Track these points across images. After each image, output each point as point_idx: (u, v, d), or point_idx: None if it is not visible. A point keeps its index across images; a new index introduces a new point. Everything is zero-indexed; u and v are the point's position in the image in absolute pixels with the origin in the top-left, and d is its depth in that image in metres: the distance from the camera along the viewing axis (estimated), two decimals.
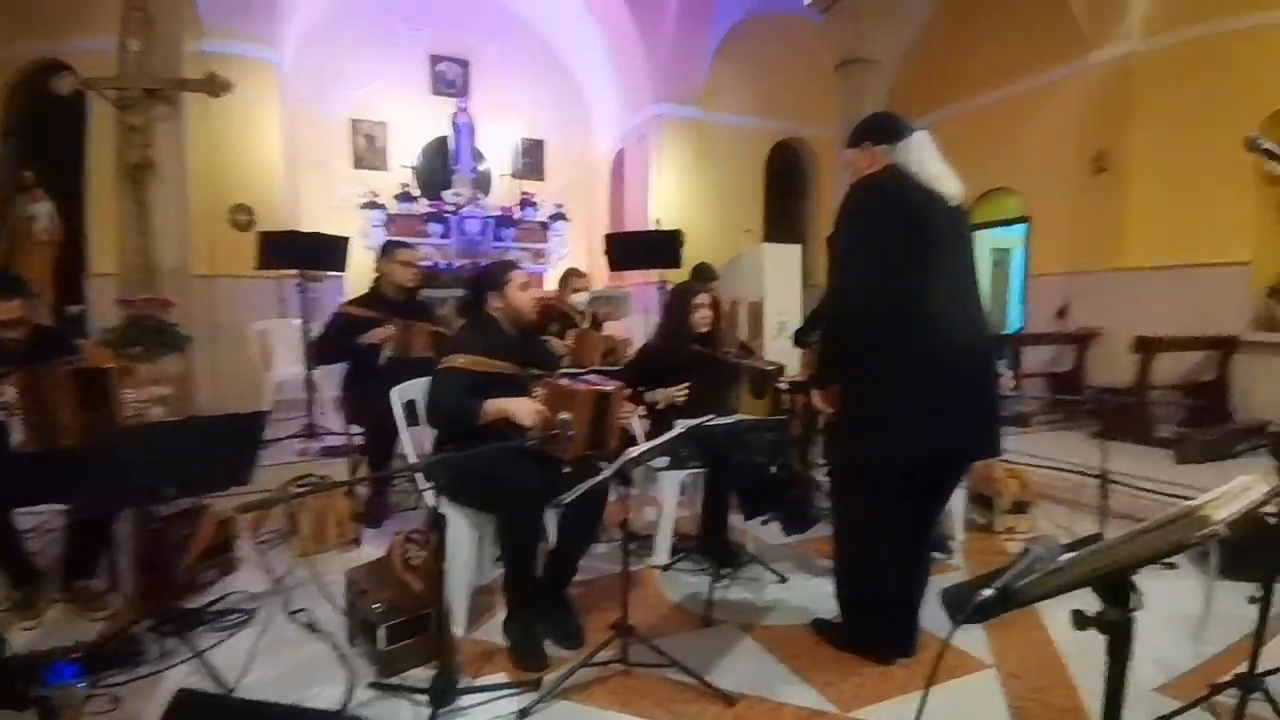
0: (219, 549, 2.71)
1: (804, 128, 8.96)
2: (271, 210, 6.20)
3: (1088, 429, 4.84)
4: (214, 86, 4.48)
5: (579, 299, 4.22)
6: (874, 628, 2.11)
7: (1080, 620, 0.87)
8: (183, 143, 4.65)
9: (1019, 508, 3.28)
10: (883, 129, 2.10)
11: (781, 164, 9.27)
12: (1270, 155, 1.61)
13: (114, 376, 2.47)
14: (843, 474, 2.17)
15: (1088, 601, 0.87)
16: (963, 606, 0.92)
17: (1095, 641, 0.86)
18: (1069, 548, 0.88)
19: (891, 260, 1.90)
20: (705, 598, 2.48)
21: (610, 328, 4.91)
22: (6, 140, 5.96)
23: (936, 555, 2.96)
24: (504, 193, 8.57)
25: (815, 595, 2.56)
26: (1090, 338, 5.69)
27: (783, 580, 2.74)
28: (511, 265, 2.54)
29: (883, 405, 1.95)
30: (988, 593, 0.87)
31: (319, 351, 3.56)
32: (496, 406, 2.22)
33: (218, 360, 5.59)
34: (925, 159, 2.01)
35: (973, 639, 2.21)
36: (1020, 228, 6.74)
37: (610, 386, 2.31)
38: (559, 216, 8.74)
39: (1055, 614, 2.33)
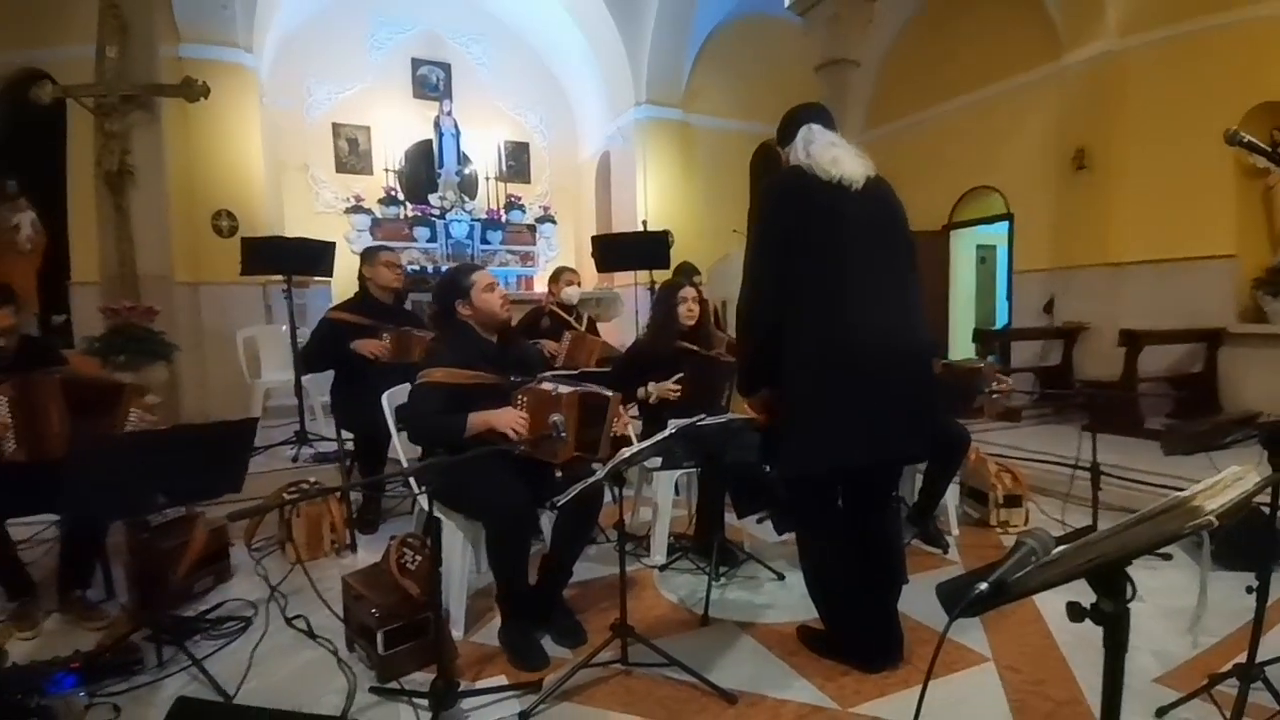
0: (213, 557, 2.68)
1: None
2: (254, 216, 6.13)
3: (1077, 422, 4.91)
4: (191, 91, 4.43)
5: (570, 293, 4.23)
6: (850, 636, 2.08)
7: (1076, 612, 0.88)
8: (161, 149, 4.60)
9: (1012, 501, 3.32)
10: (782, 130, 2.08)
11: (768, 165, 9.32)
12: (1252, 149, 1.64)
13: (128, 394, 2.46)
14: (787, 481, 2.14)
15: (1083, 593, 0.88)
16: (958, 600, 0.93)
17: (1093, 633, 0.87)
18: (1062, 540, 0.88)
19: (790, 264, 1.85)
20: (703, 597, 2.49)
21: (601, 329, 4.91)
22: None
23: (933, 550, 3.01)
24: (490, 196, 8.55)
25: None
26: (1078, 332, 5.77)
27: (780, 578, 2.76)
28: (472, 268, 2.47)
29: (794, 413, 1.91)
30: (982, 586, 0.87)
31: (308, 360, 3.53)
32: (480, 419, 2.20)
33: (203, 368, 5.51)
34: (815, 151, 1.93)
35: (971, 633, 2.23)
36: (1004, 225, 6.82)
37: (603, 390, 2.31)
38: (546, 219, 8.73)
39: (1052, 606, 2.35)
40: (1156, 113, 5.31)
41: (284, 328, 4.62)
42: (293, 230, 6.49)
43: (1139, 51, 5.37)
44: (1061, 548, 0.86)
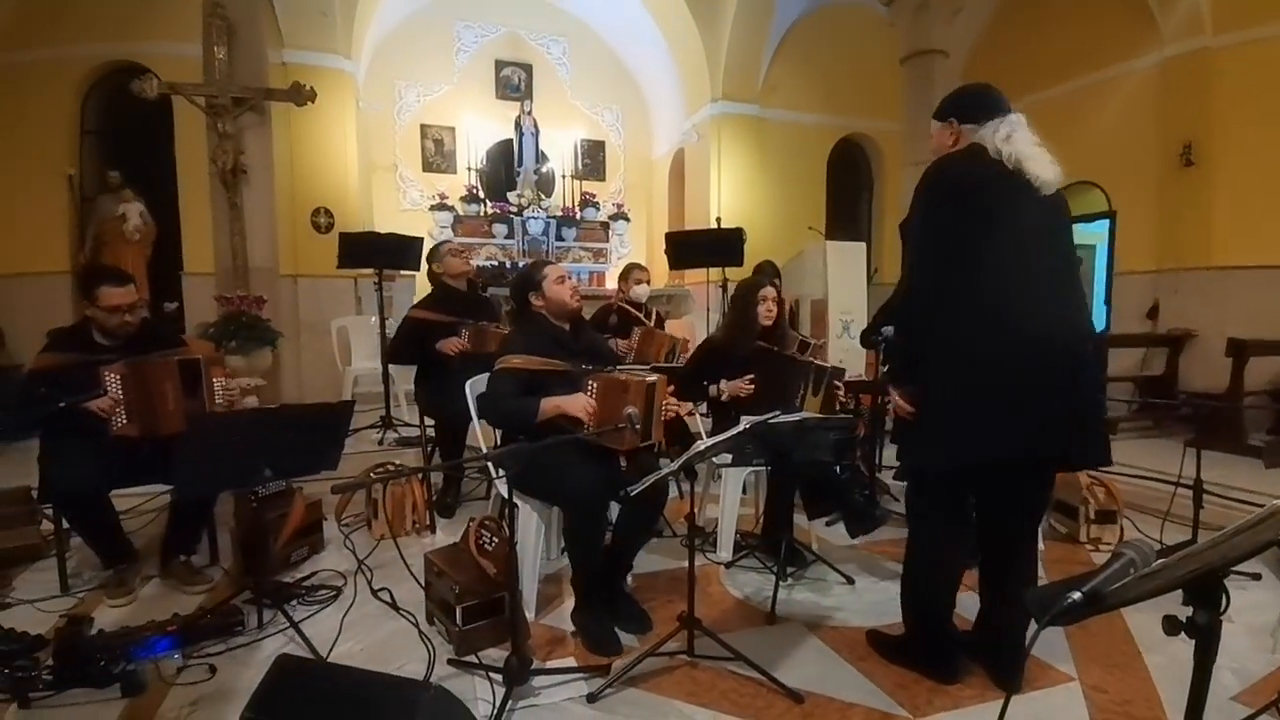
0: (309, 529, 2.90)
1: (868, 123, 8.78)
2: (348, 213, 6.52)
3: (1178, 436, 4.58)
4: (300, 96, 4.75)
5: (640, 291, 4.27)
6: (927, 646, 2.01)
7: (1172, 625, 0.85)
8: (270, 149, 4.94)
9: (1105, 518, 3.13)
10: (970, 104, 1.92)
11: (845, 160, 9.10)
12: None
13: (204, 365, 2.66)
14: (910, 481, 2.08)
15: (1176, 607, 0.86)
16: (1048, 608, 0.91)
17: (1182, 654, 0.87)
18: (1161, 554, 0.87)
19: (962, 247, 1.76)
20: (769, 595, 2.48)
21: (671, 326, 4.94)
22: (87, 138, 6.30)
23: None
24: (566, 193, 8.73)
25: (883, 599, 2.52)
26: (1184, 340, 5.37)
27: (850, 582, 2.71)
28: (543, 263, 2.61)
29: (942, 406, 1.82)
30: (1075, 595, 0.86)
31: (395, 355, 3.73)
32: (552, 404, 2.29)
33: (299, 355, 5.92)
34: (1016, 138, 1.81)
35: (1057, 651, 2.14)
36: (1103, 223, 6.40)
37: (653, 377, 2.35)
38: (619, 216, 8.84)
39: (1144, 626, 2.25)
40: (1265, 110, 4.89)
41: (373, 319, 4.90)
42: (380, 227, 6.86)
43: (1240, 48, 4.97)
44: (1162, 560, 0.85)
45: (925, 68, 6.56)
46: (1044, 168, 1.82)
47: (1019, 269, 1.78)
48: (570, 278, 2.57)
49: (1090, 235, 7.30)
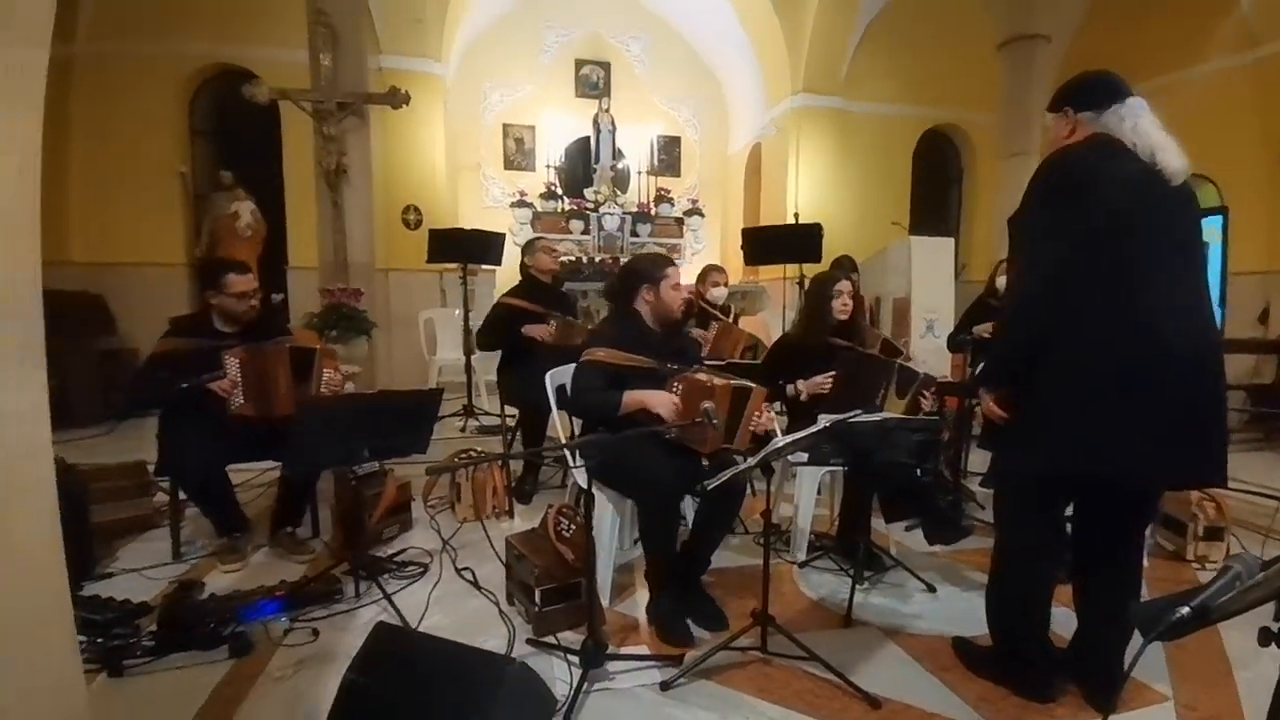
0: (400, 508, 3.08)
1: (958, 113, 8.39)
2: (436, 210, 6.83)
3: None
4: (396, 100, 5.02)
5: (717, 294, 4.27)
6: (1018, 661, 1.91)
7: (1265, 636, 0.86)
8: (369, 151, 5.25)
9: (1212, 534, 2.90)
10: (1088, 91, 1.79)
11: (932, 152, 8.73)
12: None
13: (320, 356, 2.87)
14: (1001, 489, 2.00)
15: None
16: (1155, 623, 0.89)
17: (1269, 670, 0.86)
18: (1265, 565, 0.86)
19: (1085, 246, 1.65)
20: (844, 598, 2.44)
21: (745, 323, 4.91)
22: (197, 138, 6.78)
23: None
24: (641, 189, 8.80)
25: (967, 609, 2.44)
26: None
27: (931, 590, 2.63)
28: (669, 261, 2.55)
29: (1051, 410, 1.72)
30: (1184, 610, 0.84)
31: (483, 339, 3.89)
32: (635, 398, 2.31)
33: (389, 345, 6.26)
34: (1143, 127, 1.69)
35: (1154, 670, 2.03)
36: (1217, 218, 5.88)
37: (749, 384, 2.33)
38: (695, 212, 8.83)
39: (1238, 640, 2.14)
40: None
41: (457, 311, 5.12)
42: (465, 224, 7.13)
43: None
44: (1264, 572, 0.85)
45: (1025, 53, 6.22)
46: (1174, 156, 1.69)
47: (1151, 272, 1.66)
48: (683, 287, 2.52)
49: (1205, 232, 6.71)
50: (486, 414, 4.66)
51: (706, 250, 8.88)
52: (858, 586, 2.52)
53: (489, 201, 8.71)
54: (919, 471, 2.67)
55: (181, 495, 2.80)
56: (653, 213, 8.64)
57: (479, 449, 3.65)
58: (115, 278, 6.09)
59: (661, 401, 2.29)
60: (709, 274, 4.35)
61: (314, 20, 4.88)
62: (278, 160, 6.48)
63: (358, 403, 2.58)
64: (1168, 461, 1.67)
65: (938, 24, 7.76)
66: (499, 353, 3.82)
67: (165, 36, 6.25)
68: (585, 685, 1.86)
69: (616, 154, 8.71)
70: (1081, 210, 1.66)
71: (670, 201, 8.76)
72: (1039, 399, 1.75)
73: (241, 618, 2.10)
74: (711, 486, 1.97)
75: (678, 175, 9.34)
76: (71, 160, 6.06)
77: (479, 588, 2.51)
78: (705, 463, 2.37)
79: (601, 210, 8.40)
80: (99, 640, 1.96)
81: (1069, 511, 1.96)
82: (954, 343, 3.79)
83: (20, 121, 1.01)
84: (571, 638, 2.11)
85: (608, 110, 8.59)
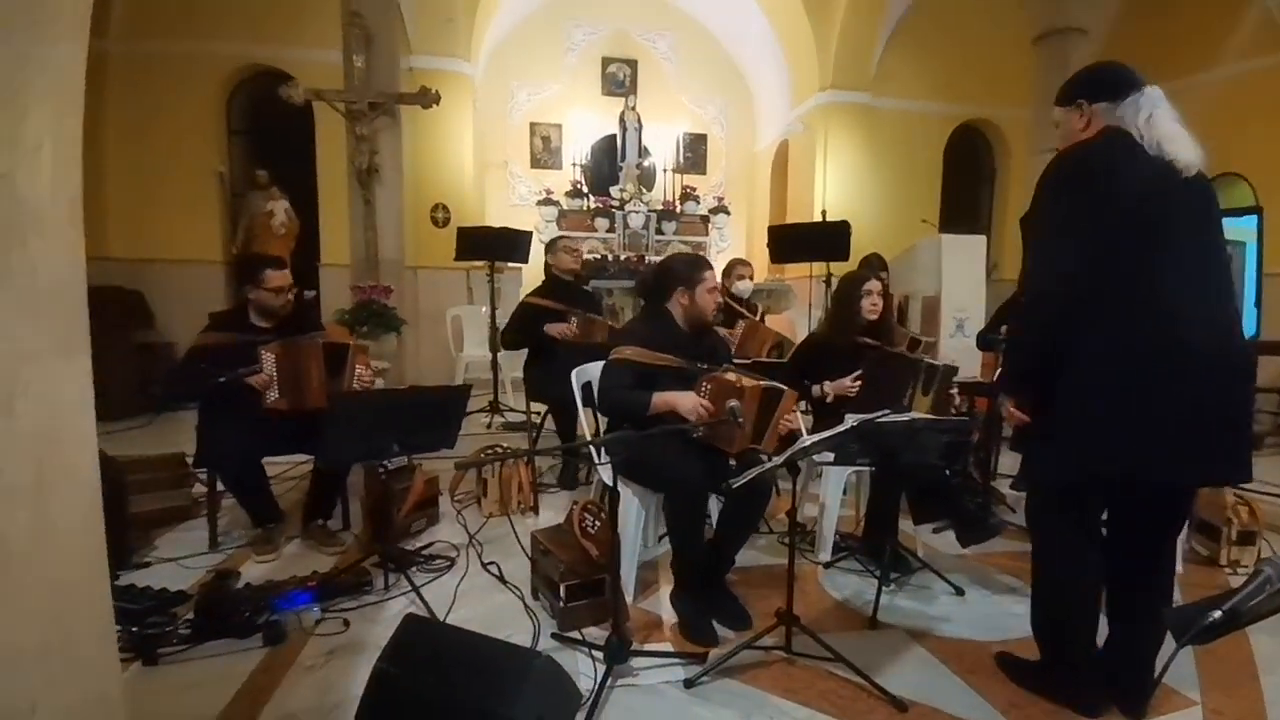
0: (427, 503, 3.13)
1: (990, 109, 8.23)
2: (463, 209, 6.91)
3: None
4: (426, 99, 5.08)
5: (743, 287, 4.26)
6: (1066, 672, 1.86)
7: None
8: (400, 150, 5.33)
9: (1245, 539, 2.83)
10: (1102, 83, 1.75)
11: (964, 149, 8.57)
12: None
13: (353, 352, 2.92)
14: (1034, 492, 1.95)
15: None
16: (1188, 627, 0.90)
17: None
18: None
19: (1101, 244, 1.61)
20: (870, 599, 2.41)
21: (771, 321, 4.88)
22: (234, 138, 6.91)
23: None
24: (667, 187, 8.79)
25: (996, 612, 2.41)
26: None
27: (959, 593, 2.59)
28: (706, 264, 2.51)
29: (1075, 411, 1.68)
30: (1216, 614, 0.86)
31: (508, 338, 3.93)
32: (663, 399, 2.31)
33: (417, 341, 6.35)
34: (1158, 119, 1.65)
35: (1185, 676, 1.99)
36: (1251, 218, 5.71)
37: (780, 386, 2.32)
38: (720, 210, 8.80)
39: (1267, 645, 2.12)
40: None
41: (484, 308, 5.18)
42: (492, 222, 7.20)
43: None
44: None
45: (1061, 47, 6.07)
46: (1185, 148, 1.64)
47: (1170, 265, 1.62)
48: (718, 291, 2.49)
49: (1239, 231, 6.51)
50: (512, 410, 4.71)
51: (732, 248, 8.85)
52: (884, 588, 2.50)
53: (515, 200, 8.77)
54: (948, 472, 2.64)
55: (219, 486, 2.87)
56: (678, 210, 8.62)
57: (504, 445, 3.68)
58: (154, 274, 6.26)
59: (689, 408, 2.27)
60: (734, 268, 4.34)
61: (348, 22, 4.97)
62: (311, 159, 6.60)
63: (389, 398, 2.63)
64: (1193, 460, 1.64)
65: (970, 18, 7.62)
66: (525, 351, 3.86)
67: (201, 38, 6.39)
68: (609, 680, 1.87)
69: (642, 152, 8.70)
70: (1099, 207, 1.62)
71: (696, 199, 8.73)
72: (1063, 402, 1.71)
73: (276, 607, 2.15)
74: (736, 485, 1.97)
75: (704, 173, 9.31)
76: (108, 158, 6.22)
77: (504, 582, 2.54)
78: (733, 463, 2.36)
79: (627, 208, 8.40)
80: (134, 629, 1.98)
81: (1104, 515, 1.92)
82: (984, 341, 3.73)
83: (62, 119, 1.01)
84: (596, 633, 2.12)
85: (634, 108, 8.59)
